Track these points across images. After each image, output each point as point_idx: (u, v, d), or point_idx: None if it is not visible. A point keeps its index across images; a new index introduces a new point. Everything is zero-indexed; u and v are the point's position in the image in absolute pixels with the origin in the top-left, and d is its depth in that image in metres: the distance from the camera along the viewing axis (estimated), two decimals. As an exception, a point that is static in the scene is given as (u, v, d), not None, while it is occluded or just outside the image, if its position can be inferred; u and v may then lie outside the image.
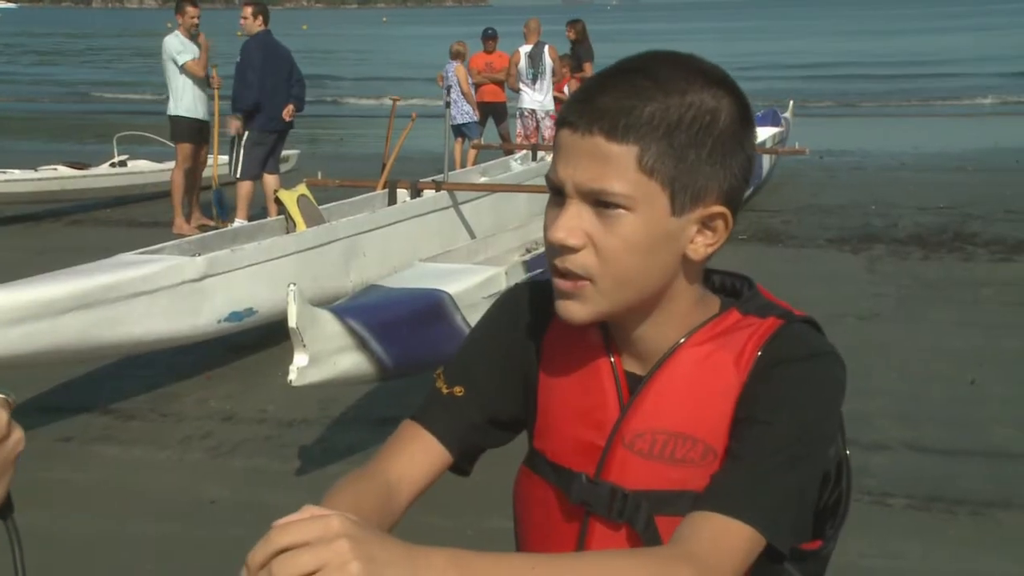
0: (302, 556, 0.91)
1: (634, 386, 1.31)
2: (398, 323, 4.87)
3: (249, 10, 10.10)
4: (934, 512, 4.42)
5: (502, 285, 5.38)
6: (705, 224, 1.26)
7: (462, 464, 1.41)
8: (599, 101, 1.23)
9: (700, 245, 1.27)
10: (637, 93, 1.22)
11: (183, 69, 10.30)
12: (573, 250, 1.24)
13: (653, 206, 1.23)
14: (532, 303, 1.43)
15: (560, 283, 1.27)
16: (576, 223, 1.24)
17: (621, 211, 1.22)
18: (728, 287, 1.40)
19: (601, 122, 1.21)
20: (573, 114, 1.24)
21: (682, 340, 1.30)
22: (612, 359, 1.34)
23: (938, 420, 5.37)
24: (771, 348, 1.27)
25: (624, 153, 1.21)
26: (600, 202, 1.23)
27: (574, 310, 1.27)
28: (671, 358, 1.30)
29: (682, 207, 1.24)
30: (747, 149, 1.27)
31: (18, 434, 1.16)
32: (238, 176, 9.98)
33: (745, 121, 1.27)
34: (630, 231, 1.23)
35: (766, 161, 11.91)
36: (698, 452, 1.26)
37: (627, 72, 1.25)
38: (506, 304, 1.46)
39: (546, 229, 1.27)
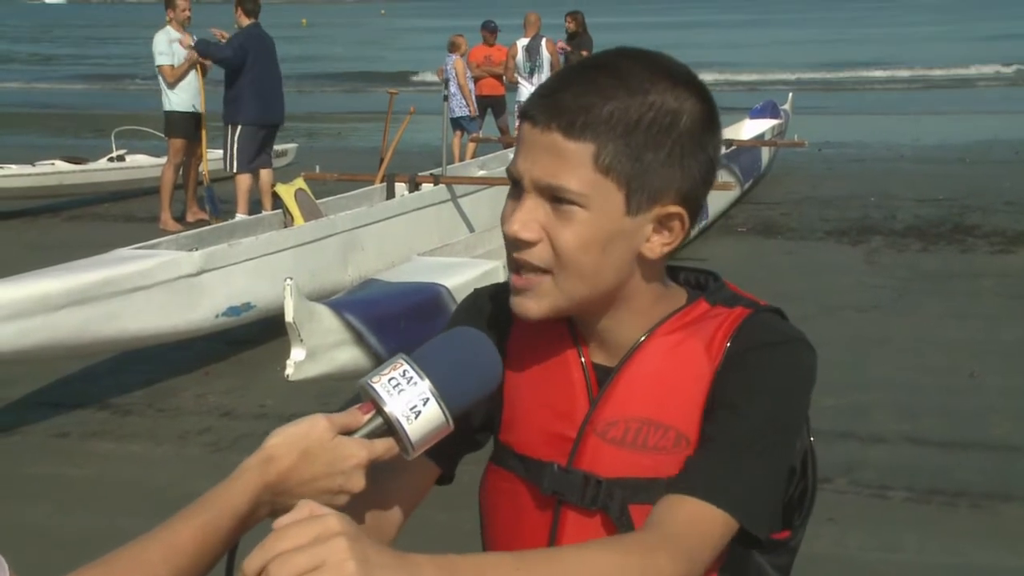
0: (300, 556, 0.93)
1: (603, 377, 1.32)
2: (395, 317, 4.87)
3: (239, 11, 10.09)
4: (933, 505, 4.42)
5: (500, 278, 5.36)
6: (662, 223, 1.27)
7: (448, 473, 1.42)
8: (560, 97, 1.23)
9: (656, 244, 1.27)
10: (598, 91, 1.22)
11: (159, 69, 10.30)
12: (529, 244, 1.25)
13: (608, 204, 1.23)
14: (494, 303, 1.43)
15: (514, 279, 1.28)
16: (531, 217, 1.24)
17: (576, 208, 1.23)
18: (694, 282, 1.40)
19: (560, 119, 1.22)
20: (535, 108, 1.25)
21: (651, 330, 1.31)
22: (580, 351, 1.34)
23: (937, 412, 5.36)
24: (741, 336, 1.28)
25: (580, 151, 1.21)
26: (556, 198, 1.23)
27: (528, 306, 1.28)
28: (641, 348, 1.30)
29: (638, 207, 1.24)
30: (709, 151, 1.27)
31: None
32: (234, 170, 9.94)
33: (709, 123, 1.27)
34: (584, 228, 1.23)
35: (765, 154, 11.90)
36: (670, 439, 1.27)
37: (592, 68, 1.26)
38: (467, 308, 1.46)
39: (503, 220, 1.28)
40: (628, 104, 1.21)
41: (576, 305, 1.29)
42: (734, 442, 1.22)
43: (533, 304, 1.28)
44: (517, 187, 1.27)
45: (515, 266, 1.28)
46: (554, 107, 1.22)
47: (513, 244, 1.26)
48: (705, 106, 1.26)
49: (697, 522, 1.18)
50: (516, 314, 1.30)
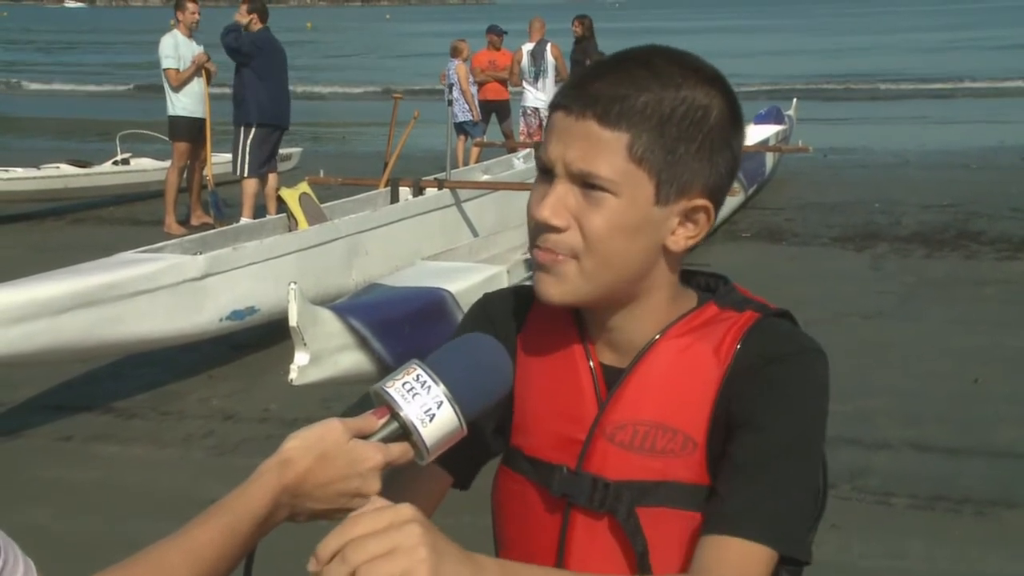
0: (374, 541, 0.95)
1: (611, 379, 1.33)
2: (399, 321, 4.87)
3: (244, 8, 10.04)
4: (937, 512, 4.40)
5: (504, 283, 5.37)
6: (687, 216, 1.28)
7: (463, 481, 1.43)
8: (594, 87, 1.25)
9: (681, 237, 1.29)
10: (633, 82, 1.24)
11: (164, 73, 10.32)
12: (557, 230, 1.26)
13: (638, 193, 1.24)
14: (503, 306, 1.45)
15: (540, 254, 1.28)
16: (562, 203, 1.26)
17: (606, 194, 1.24)
18: (704, 285, 1.41)
19: (595, 107, 1.24)
20: (567, 98, 1.27)
21: (661, 333, 1.32)
22: (588, 352, 1.35)
23: (941, 419, 5.35)
24: (752, 341, 1.28)
25: (615, 139, 1.23)
26: (587, 184, 1.25)
27: (551, 289, 1.28)
28: (650, 351, 1.31)
29: (667, 198, 1.26)
30: (734, 148, 1.29)
31: None
32: (244, 174, 9.91)
33: (734, 120, 1.29)
34: (613, 215, 1.24)
35: (769, 159, 11.89)
36: (678, 443, 1.27)
37: (624, 61, 1.28)
38: (476, 312, 1.47)
39: (531, 206, 1.28)
40: (662, 96, 1.23)
41: (598, 294, 1.29)
42: (766, 468, 1.22)
43: (556, 288, 1.28)
44: (547, 174, 1.28)
45: (540, 248, 1.29)
46: (589, 96, 1.24)
47: (541, 229, 1.27)
48: (731, 104, 1.28)
49: (747, 564, 1.19)
50: (538, 296, 1.30)
